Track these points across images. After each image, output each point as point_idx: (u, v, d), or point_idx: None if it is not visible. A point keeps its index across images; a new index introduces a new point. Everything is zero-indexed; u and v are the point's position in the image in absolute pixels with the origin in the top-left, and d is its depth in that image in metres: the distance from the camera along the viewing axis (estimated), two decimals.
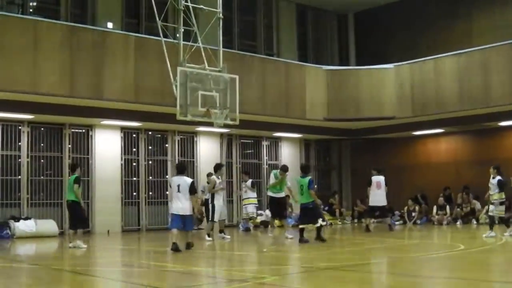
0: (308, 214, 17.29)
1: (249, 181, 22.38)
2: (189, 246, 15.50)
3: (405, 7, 29.10)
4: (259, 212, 25.52)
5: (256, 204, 22.67)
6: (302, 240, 16.86)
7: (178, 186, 15.46)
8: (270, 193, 19.27)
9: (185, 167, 16.70)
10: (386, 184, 22.03)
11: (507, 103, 21.91)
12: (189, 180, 15.69)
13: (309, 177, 17.49)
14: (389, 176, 27.57)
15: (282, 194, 19.28)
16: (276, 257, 14.60)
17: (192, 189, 15.54)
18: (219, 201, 18.72)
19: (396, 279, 10.41)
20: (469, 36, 27.05)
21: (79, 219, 17.02)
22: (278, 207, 19.26)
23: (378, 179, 21.98)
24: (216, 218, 18.48)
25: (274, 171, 19.57)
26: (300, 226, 17.39)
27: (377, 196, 21.89)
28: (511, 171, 23.92)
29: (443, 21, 28.16)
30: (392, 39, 29.78)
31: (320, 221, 17.05)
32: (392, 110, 25.52)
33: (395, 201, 26.96)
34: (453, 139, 27.47)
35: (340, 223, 27.13)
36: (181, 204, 15.40)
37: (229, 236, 18.89)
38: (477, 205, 24.68)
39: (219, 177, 18.84)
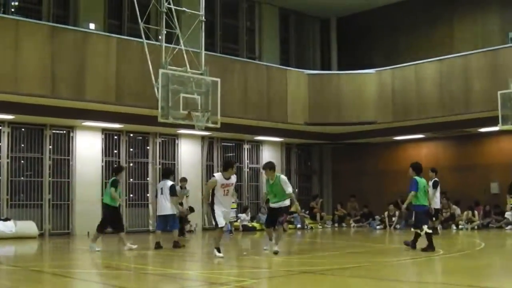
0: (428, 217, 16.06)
1: None
2: (176, 245, 16.51)
3: (387, 13, 29.26)
4: (240, 216, 25.59)
5: (236, 208, 22.60)
6: (413, 246, 15.29)
7: (161, 189, 16.92)
8: (271, 204, 15.38)
9: (170, 172, 17.84)
10: (433, 186, 21.32)
11: (487, 110, 22.05)
12: (169, 183, 16.94)
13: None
14: (370, 181, 27.91)
15: (285, 203, 15.25)
16: (256, 260, 14.60)
17: (171, 191, 16.83)
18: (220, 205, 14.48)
19: (374, 283, 10.45)
20: (450, 43, 27.25)
21: (115, 222, 16.69)
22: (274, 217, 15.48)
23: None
24: (221, 223, 14.27)
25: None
26: (424, 231, 15.09)
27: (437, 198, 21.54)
28: (491, 177, 24.18)
29: (425, 28, 28.34)
30: (374, 45, 29.94)
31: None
32: (373, 115, 25.64)
33: (376, 206, 27.13)
34: (434, 145, 27.63)
35: (320, 227, 27.21)
36: (163, 205, 16.78)
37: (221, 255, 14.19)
38: (457, 210, 24.83)
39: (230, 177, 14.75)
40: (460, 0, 27.46)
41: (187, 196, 21.86)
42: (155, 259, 15.09)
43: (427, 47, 27.54)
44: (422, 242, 14.91)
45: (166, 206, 16.84)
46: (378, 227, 26.11)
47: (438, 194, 21.45)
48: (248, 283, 10.30)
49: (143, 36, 19.07)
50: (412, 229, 15.45)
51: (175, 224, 17.36)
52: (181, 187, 21.45)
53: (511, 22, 25.87)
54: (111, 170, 18.40)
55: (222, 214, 14.36)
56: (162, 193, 16.92)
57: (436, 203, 21.31)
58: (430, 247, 14.76)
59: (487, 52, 23.28)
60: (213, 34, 27.33)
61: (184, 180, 21.79)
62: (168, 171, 18.02)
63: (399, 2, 28.68)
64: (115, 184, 16.34)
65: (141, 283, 11.00)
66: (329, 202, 30.45)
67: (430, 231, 15.04)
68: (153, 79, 18.46)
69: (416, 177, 15.31)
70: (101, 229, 16.79)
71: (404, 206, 16.01)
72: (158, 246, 16.49)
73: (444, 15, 27.96)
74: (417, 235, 15.14)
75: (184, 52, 19.28)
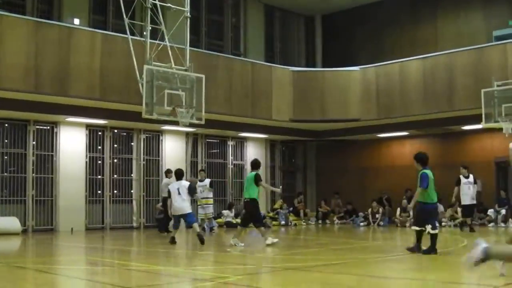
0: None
1: (208, 181, 22.11)
2: (200, 237, 16.52)
3: (372, 11, 29.38)
4: (223, 212, 25.60)
5: (212, 204, 22.41)
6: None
7: (178, 189, 17.06)
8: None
9: (183, 173, 17.97)
10: (474, 182, 21.33)
11: (471, 108, 22.17)
12: (186, 183, 17.26)
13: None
14: (354, 178, 27.95)
15: None
16: (240, 256, 14.62)
17: (191, 191, 17.33)
18: None
19: (357, 279, 10.49)
20: (434, 40, 27.39)
21: (258, 217, 16.80)
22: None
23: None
24: None
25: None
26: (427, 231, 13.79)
27: (470, 192, 21.17)
28: (475, 174, 24.23)
29: (409, 25, 28.49)
30: (358, 42, 30.04)
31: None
32: (357, 112, 25.71)
33: (360, 203, 27.23)
34: (418, 142, 27.71)
35: (304, 223, 27.26)
36: (181, 205, 16.98)
37: None
38: (440, 207, 24.90)
39: None
40: None
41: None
42: (139, 256, 15.08)
43: (412, 45, 27.69)
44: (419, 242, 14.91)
45: (185, 206, 17.02)
46: (361, 224, 26.19)
47: (476, 190, 21.41)
48: (232, 279, 10.32)
49: (128, 32, 19.06)
50: (414, 228, 14.03)
51: (194, 219, 17.70)
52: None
53: (494, 20, 26.04)
54: (250, 165, 17.52)
55: None
56: (179, 194, 17.09)
57: (473, 199, 21.25)
58: (432, 250, 13.59)
59: (471, 51, 23.39)
60: (198, 30, 27.35)
61: (170, 171, 21.71)
62: (182, 172, 17.97)
63: (384, 0, 28.79)
64: (259, 179, 16.39)
65: (125, 279, 10.98)
66: (313, 199, 30.51)
67: (436, 231, 13.70)
68: (138, 75, 18.46)
69: (425, 171, 14.06)
70: (245, 224, 16.95)
71: (411, 205, 14.44)
72: (173, 241, 16.78)
73: (429, 13, 28.11)
74: (420, 234, 13.82)
75: (169, 48, 19.29)
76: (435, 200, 14.05)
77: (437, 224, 14.09)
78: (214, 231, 22.09)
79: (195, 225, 17.22)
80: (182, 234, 21.83)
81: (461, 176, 21.33)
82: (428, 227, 13.70)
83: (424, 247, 13.72)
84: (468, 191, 21.13)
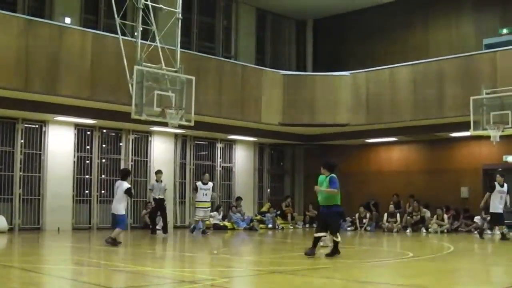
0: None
1: (211, 184, 22.15)
2: (114, 242, 16.67)
3: (363, 17, 29.47)
4: (211, 214, 25.63)
5: (210, 207, 22.51)
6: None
7: (117, 188, 17.36)
8: None
9: (128, 173, 18.33)
10: (507, 192, 20.63)
11: (460, 115, 22.22)
12: (125, 185, 17.26)
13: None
14: (341, 183, 27.92)
15: None
16: (227, 259, 14.62)
17: (129, 194, 17.40)
18: None
19: (343, 284, 10.51)
20: (425, 47, 27.48)
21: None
22: None
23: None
24: None
25: None
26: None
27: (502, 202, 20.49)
28: (461, 182, 24.36)
29: (400, 32, 28.59)
30: (349, 47, 30.11)
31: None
32: (346, 117, 25.72)
33: (347, 208, 27.18)
34: (406, 148, 27.81)
35: (291, 227, 27.27)
36: (114, 204, 17.30)
37: None
38: (427, 213, 25.00)
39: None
40: (435, 5, 27.70)
41: (165, 190, 21.89)
42: (126, 256, 15.04)
43: (402, 51, 27.76)
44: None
45: (118, 207, 17.17)
46: (348, 228, 26.19)
47: (508, 200, 20.78)
48: (218, 281, 10.32)
49: (119, 32, 19.02)
50: (329, 235, 14.57)
51: (122, 225, 17.53)
52: (156, 180, 21.62)
53: (485, 27, 26.16)
54: (326, 166, 15.90)
55: None
56: (116, 193, 17.37)
57: (501, 209, 20.52)
58: (335, 252, 14.24)
59: (461, 58, 23.45)
60: (189, 32, 27.33)
61: (159, 172, 21.82)
62: (126, 172, 18.29)
63: (375, 6, 28.87)
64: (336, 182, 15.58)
65: (112, 280, 10.96)
66: (301, 202, 30.52)
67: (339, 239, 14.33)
68: (128, 75, 18.43)
69: (333, 175, 14.75)
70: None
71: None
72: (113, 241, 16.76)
73: (420, 20, 28.21)
74: (337, 242, 14.31)
75: (159, 49, 19.26)
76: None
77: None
78: (208, 234, 22.03)
79: (118, 230, 17.04)
80: (170, 236, 21.80)
81: (496, 184, 20.56)
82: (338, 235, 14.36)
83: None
84: (500, 200, 20.37)
